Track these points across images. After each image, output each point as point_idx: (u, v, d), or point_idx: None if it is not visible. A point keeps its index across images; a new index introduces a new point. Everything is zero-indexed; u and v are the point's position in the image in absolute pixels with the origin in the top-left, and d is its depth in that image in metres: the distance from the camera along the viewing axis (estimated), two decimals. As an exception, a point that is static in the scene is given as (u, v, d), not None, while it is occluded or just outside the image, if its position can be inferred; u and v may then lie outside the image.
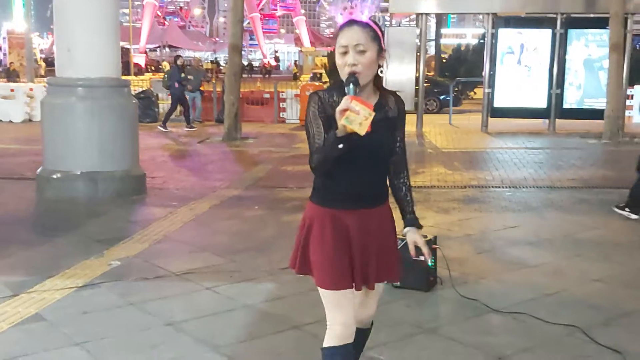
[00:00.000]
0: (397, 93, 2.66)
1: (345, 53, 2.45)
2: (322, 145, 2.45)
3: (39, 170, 7.95)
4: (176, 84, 15.70)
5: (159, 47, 56.88)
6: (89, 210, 7.09)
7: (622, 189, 8.35)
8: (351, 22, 2.47)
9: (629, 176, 9.40)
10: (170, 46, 56.15)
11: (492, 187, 8.64)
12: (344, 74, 2.45)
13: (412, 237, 2.70)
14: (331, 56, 23.66)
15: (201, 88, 17.62)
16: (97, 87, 7.68)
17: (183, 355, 3.64)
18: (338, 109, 2.32)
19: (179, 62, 16.39)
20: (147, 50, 56.48)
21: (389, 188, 2.75)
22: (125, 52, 36.77)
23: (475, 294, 4.50)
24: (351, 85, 2.39)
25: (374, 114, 2.30)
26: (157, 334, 3.89)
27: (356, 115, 2.27)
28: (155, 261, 5.29)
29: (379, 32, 2.49)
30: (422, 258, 2.79)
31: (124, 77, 9.48)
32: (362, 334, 2.86)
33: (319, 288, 2.63)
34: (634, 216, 6.83)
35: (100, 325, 4.02)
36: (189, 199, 7.73)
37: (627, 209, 6.92)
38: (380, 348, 3.67)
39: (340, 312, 2.61)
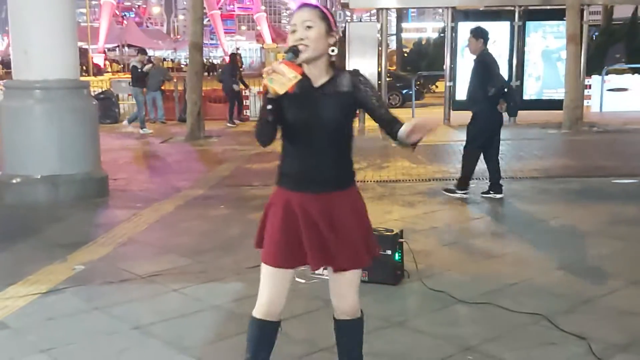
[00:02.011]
0: (356, 69, 2.70)
1: (294, 31, 2.58)
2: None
3: (-3, 175, 7.79)
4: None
5: (117, 46, 56.12)
6: (50, 215, 6.97)
7: (583, 177, 8.55)
8: (301, 6, 2.63)
9: (589, 165, 9.62)
10: (129, 45, 55.43)
11: (456, 179, 8.72)
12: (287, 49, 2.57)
13: (405, 129, 2.54)
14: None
15: (162, 88, 17.45)
16: (55, 89, 7.54)
17: (151, 358, 3.61)
18: (265, 69, 2.46)
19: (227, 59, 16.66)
20: (106, 49, 55.68)
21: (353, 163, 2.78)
22: (83, 53, 36.23)
23: (442, 286, 4.55)
24: (290, 54, 2.51)
25: (299, 77, 2.42)
26: (124, 338, 3.85)
27: (280, 77, 2.41)
28: (120, 264, 5.23)
29: (329, 15, 2.62)
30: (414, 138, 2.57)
31: (82, 78, 9.33)
32: (350, 326, 2.90)
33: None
34: (498, 195, 7.41)
35: (66, 331, 3.95)
36: (153, 200, 7.65)
37: (458, 191, 7.49)
38: (350, 343, 3.67)
39: (266, 290, 2.74)
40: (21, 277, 4.88)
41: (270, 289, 2.74)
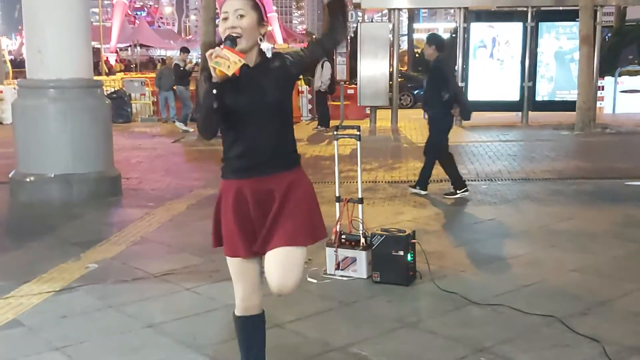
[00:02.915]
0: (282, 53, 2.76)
1: (226, 19, 2.60)
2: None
3: (11, 173, 7.84)
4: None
5: (130, 46, 56.20)
6: (64, 213, 7.01)
7: (596, 179, 8.50)
8: None
9: (602, 166, 9.57)
10: (141, 45, 55.51)
11: (468, 180, 8.67)
12: (224, 37, 2.59)
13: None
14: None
15: (174, 87, 17.49)
16: (69, 88, 7.58)
17: (165, 356, 3.62)
18: (208, 53, 2.48)
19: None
20: (118, 49, 55.81)
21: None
22: (96, 52, 36.38)
23: (455, 287, 4.54)
24: (228, 42, 2.53)
25: (243, 61, 2.48)
26: (137, 337, 3.87)
27: (225, 60, 2.45)
28: (133, 263, 5.25)
29: (260, 5, 2.65)
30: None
31: (95, 78, 9.38)
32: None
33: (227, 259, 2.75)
34: (423, 192, 7.65)
35: (80, 329, 3.98)
36: (165, 200, 7.68)
37: (417, 187, 7.70)
38: (362, 343, 3.68)
39: (239, 285, 2.75)
40: (35, 275, 4.91)
41: (242, 283, 2.75)
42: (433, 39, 7.63)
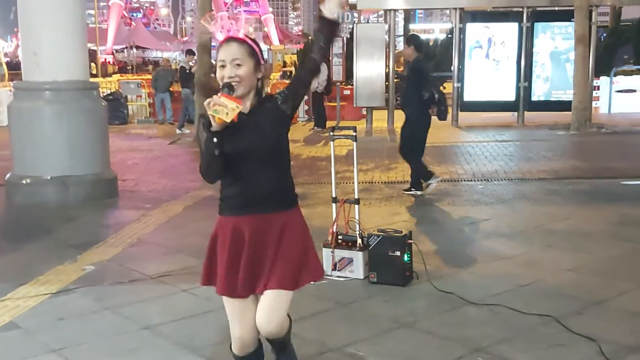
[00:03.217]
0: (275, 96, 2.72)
1: (223, 67, 2.60)
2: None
3: (7, 175, 7.83)
4: None
5: (126, 47, 56.19)
6: (60, 215, 7.00)
7: (592, 179, 8.52)
8: (229, 40, 2.63)
9: (598, 166, 9.59)
10: (137, 47, 55.50)
11: (464, 180, 8.72)
12: (222, 85, 2.60)
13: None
14: (301, 54, 23.61)
15: (170, 89, 17.48)
16: (65, 90, 7.58)
17: (161, 358, 3.62)
18: (206, 102, 2.49)
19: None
20: (114, 51, 55.79)
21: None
22: (92, 54, 36.36)
23: (451, 287, 4.54)
24: (226, 89, 2.55)
25: (241, 107, 2.51)
26: (134, 338, 3.86)
27: (223, 108, 2.47)
28: (129, 265, 5.25)
29: (256, 48, 2.65)
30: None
31: (91, 80, 9.37)
32: (273, 346, 2.83)
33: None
34: (419, 192, 7.70)
35: (77, 331, 3.98)
36: (161, 201, 7.67)
37: (412, 189, 7.78)
38: (359, 344, 3.69)
39: (235, 324, 2.75)
40: (32, 277, 4.91)
41: (238, 321, 2.73)
42: (411, 39, 7.79)
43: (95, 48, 39.87)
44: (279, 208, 2.68)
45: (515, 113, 15.35)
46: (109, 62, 43.59)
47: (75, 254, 5.51)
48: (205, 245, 2.81)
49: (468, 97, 15.23)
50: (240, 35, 2.63)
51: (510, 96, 15.14)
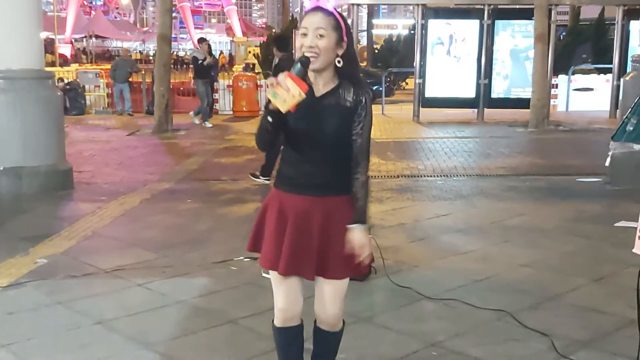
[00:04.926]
0: (368, 88, 2.63)
1: (305, 35, 2.50)
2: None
3: (-42, 166, 7.61)
4: None
5: (85, 37, 55.10)
6: (13, 207, 6.84)
7: (549, 176, 8.65)
8: (316, 9, 2.53)
9: (555, 163, 9.74)
10: (97, 36, 54.47)
11: (424, 176, 8.78)
12: (300, 55, 2.50)
13: (350, 235, 2.58)
14: (264, 46, 23.48)
15: (130, 79, 17.22)
16: (19, 79, 7.39)
17: (114, 354, 3.55)
18: (269, 81, 2.40)
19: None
20: (73, 40, 54.69)
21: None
22: (49, 43, 35.59)
23: (409, 282, 4.56)
24: (298, 65, 2.44)
25: (304, 96, 2.36)
26: (86, 333, 3.79)
27: (284, 92, 2.34)
28: (83, 258, 5.15)
29: (342, 23, 2.53)
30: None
31: (48, 69, 9.16)
32: (327, 337, 2.80)
33: None
34: (267, 181, 7.84)
35: (27, 326, 3.88)
36: (118, 194, 7.55)
37: (261, 177, 7.97)
38: (316, 339, 3.66)
39: (279, 296, 2.70)
40: (-19, 271, 4.78)
41: (282, 293, 2.68)
42: (274, 39, 8.38)
43: (53, 37, 39.01)
44: (327, 193, 2.60)
45: (475, 110, 15.52)
46: (66, 56, 42.67)
47: (27, 247, 5.39)
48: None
49: (429, 93, 15.32)
50: (329, 7, 2.53)
51: (471, 93, 15.29)
